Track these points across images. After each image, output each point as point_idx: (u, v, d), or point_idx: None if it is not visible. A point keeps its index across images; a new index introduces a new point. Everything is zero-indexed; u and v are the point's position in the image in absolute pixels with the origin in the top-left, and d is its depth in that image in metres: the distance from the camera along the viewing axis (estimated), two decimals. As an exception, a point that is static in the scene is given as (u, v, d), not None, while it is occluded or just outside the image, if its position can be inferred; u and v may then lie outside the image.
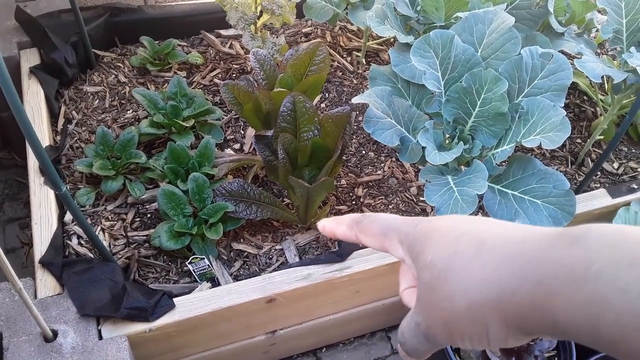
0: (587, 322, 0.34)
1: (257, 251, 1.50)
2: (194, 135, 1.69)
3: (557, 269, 0.35)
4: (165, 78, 1.92)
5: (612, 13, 1.65)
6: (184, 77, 1.93)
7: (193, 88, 1.88)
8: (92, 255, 1.42)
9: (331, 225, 0.53)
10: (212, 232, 1.42)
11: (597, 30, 1.94)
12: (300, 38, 2.10)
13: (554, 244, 0.36)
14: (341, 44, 2.10)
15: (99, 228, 1.51)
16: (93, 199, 1.56)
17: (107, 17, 1.99)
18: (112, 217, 1.54)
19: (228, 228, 1.47)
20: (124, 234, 1.51)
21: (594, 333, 0.34)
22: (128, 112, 1.81)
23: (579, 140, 1.93)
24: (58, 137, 1.70)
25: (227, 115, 1.81)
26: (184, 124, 1.63)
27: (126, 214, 1.56)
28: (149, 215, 1.56)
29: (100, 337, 1.22)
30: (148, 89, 1.87)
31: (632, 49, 1.57)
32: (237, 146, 1.74)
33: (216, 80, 1.91)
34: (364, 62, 2.04)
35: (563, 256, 0.35)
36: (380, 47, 2.10)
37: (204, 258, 1.39)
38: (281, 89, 1.40)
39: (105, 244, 1.47)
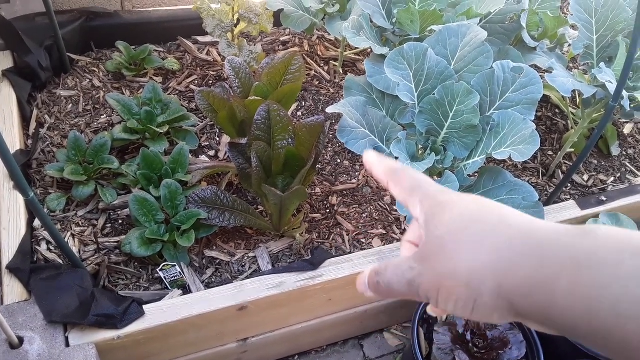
0: (583, 306, 0.35)
1: (229, 259, 1.50)
2: (169, 141, 1.68)
3: (563, 255, 0.37)
4: (141, 83, 1.91)
5: (583, 29, 1.70)
6: (160, 83, 1.92)
7: (168, 94, 1.87)
8: (61, 262, 1.40)
9: (373, 160, 0.53)
10: (184, 239, 1.41)
11: (569, 45, 1.98)
12: (278, 46, 2.11)
13: (565, 234, 0.38)
14: (319, 53, 2.12)
15: (69, 234, 1.49)
16: (64, 204, 1.54)
17: (82, 22, 1.97)
18: (82, 223, 1.52)
19: (200, 235, 1.46)
20: (95, 240, 1.49)
21: (587, 319, 0.35)
22: (102, 117, 1.79)
23: (550, 153, 1.96)
24: (30, 141, 1.68)
25: (202, 122, 1.81)
26: (158, 130, 1.62)
27: (97, 219, 1.54)
28: (120, 222, 1.54)
29: (68, 345, 1.20)
30: (123, 94, 1.86)
31: (602, 64, 1.61)
32: (211, 153, 1.74)
33: (192, 87, 1.91)
34: (341, 71, 2.05)
35: (571, 244, 0.37)
36: (357, 57, 2.12)
37: (175, 265, 1.38)
38: (256, 98, 1.40)
39: (75, 250, 1.45)
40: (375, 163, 0.53)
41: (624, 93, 1.47)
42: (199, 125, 1.79)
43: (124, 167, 1.58)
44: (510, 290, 0.39)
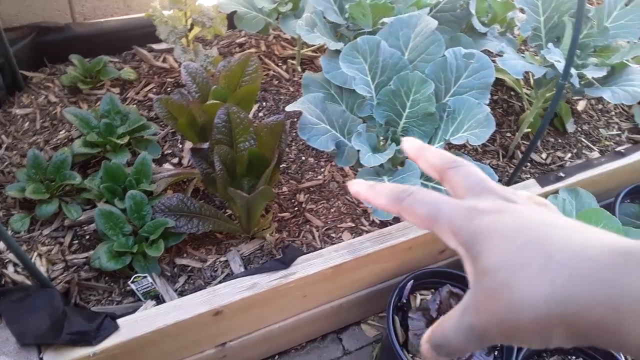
0: None
1: (201, 265, 1.49)
2: (130, 152, 1.67)
3: (626, 295, 0.34)
4: (98, 96, 1.88)
5: (530, 12, 1.74)
6: (118, 93, 1.90)
7: (127, 104, 1.85)
8: (29, 283, 1.38)
9: (367, 194, 0.48)
10: (154, 249, 1.41)
11: (519, 29, 2.03)
12: (235, 48, 2.10)
13: (622, 267, 0.35)
14: (276, 52, 2.12)
15: (36, 254, 1.47)
16: (28, 224, 1.52)
17: (33, 37, 1.94)
18: (48, 242, 1.50)
19: (170, 244, 1.46)
20: (62, 258, 1.47)
21: None
22: (60, 132, 1.77)
23: (508, 134, 2.01)
24: (-13, 163, 1.65)
25: (163, 130, 1.80)
26: (118, 141, 1.61)
27: (63, 237, 1.52)
28: (87, 237, 1.53)
29: (42, 366, 1.19)
30: (80, 107, 1.84)
31: (550, 45, 1.66)
32: (175, 160, 1.73)
33: (151, 95, 1.90)
34: (300, 69, 2.06)
35: (631, 281, 0.35)
36: (315, 54, 2.13)
37: (146, 276, 1.37)
38: (214, 101, 1.41)
39: (43, 269, 1.44)
40: (370, 195, 0.47)
41: (573, 71, 1.52)
42: (160, 133, 1.78)
43: (86, 181, 1.56)
44: (579, 329, 0.36)
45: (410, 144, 0.51)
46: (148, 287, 1.39)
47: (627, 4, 1.78)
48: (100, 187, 1.52)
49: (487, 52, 2.05)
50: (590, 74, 1.58)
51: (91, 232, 1.53)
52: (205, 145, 1.40)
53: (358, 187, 0.48)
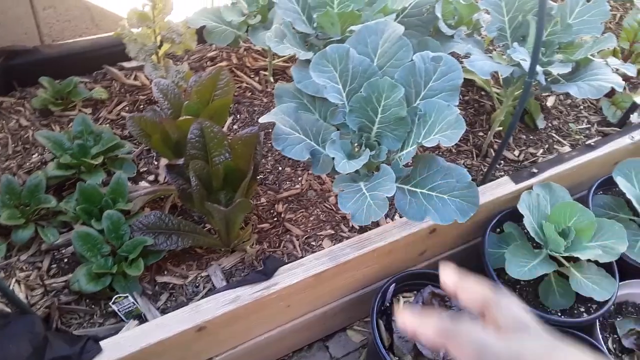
0: None
1: (182, 281, 1.49)
2: (105, 172, 1.66)
3: None
4: (70, 117, 1.87)
5: (494, 12, 1.78)
6: (90, 113, 1.89)
7: (100, 124, 1.84)
8: (9, 310, 1.36)
9: (413, 324, 0.50)
10: (133, 268, 1.40)
11: (485, 30, 2.07)
12: (206, 62, 2.11)
13: None
14: (247, 64, 2.13)
15: (14, 280, 1.45)
16: (4, 251, 1.50)
17: (2, 62, 1.92)
18: (26, 267, 1.48)
19: (149, 262, 1.45)
20: (41, 283, 1.45)
21: None
22: (33, 156, 1.75)
23: (481, 133, 2.04)
24: (-41, 191, 1.62)
25: (138, 148, 1.79)
26: (92, 162, 1.60)
27: (41, 261, 1.50)
28: (65, 260, 1.51)
29: (25, 394, 1.17)
30: (53, 130, 1.82)
31: (515, 44, 1.69)
32: (151, 178, 1.72)
33: (124, 114, 1.89)
34: (272, 80, 2.07)
35: None
36: (286, 64, 2.14)
37: (127, 296, 1.37)
38: (187, 117, 1.41)
39: (22, 295, 1.42)
40: (416, 325, 0.50)
41: (539, 69, 1.55)
42: (135, 151, 1.78)
43: (62, 204, 1.55)
44: None
45: (447, 277, 0.53)
46: (130, 307, 1.38)
47: (588, 0, 1.83)
48: (76, 209, 1.51)
49: (455, 54, 2.08)
50: (556, 70, 1.62)
51: (69, 255, 1.52)
52: (180, 161, 1.40)
53: (405, 318, 0.51)
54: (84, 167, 1.62)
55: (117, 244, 1.45)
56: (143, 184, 1.70)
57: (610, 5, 2.85)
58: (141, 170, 1.74)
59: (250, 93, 2.02)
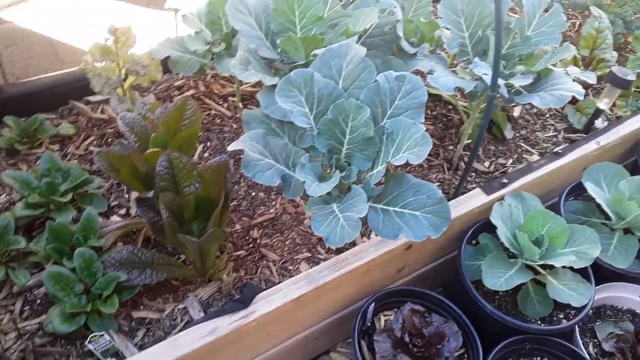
0: None
1: (159, 315, 1.47)
2: (75, 208, 1.64)
3: None
4: (37, 155, 1.85)
5: (454, 29, 1.81)
6: (57, 150, 1.87)
7: (68, 160, 1.82)
8: (-21, 357, 1.33)
9: None
10: (108, 305, 1.38)
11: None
12: (174, 92, 2.11)
13: None
14: (215, 91, 2.13)
15: (-16, 326, 1.41)
16: (-27, 296, 1.46)
17: (-36, 102, 1.89)
18: (-3, 312, 1.45)
19: (124, 298, 1.43)
20: (14, 326, 1.42)
21: None
22: (1, 197, 1.72)
23: (451, 147, 2.07)
24: None
25: (108, 182, 1.77)
26: (61, 199, 1.58)
27: (13, 304, 1.47)
28: (38, 301, 1.48)
29: None
30: (19, 169, 1.79)
31: (477, 59, 1.72)
32: (123, 211, 1.70)
33: (92, 148, 1.87)
34: (241, 105, 2.07)
35: None
36: (255, 89, 2.15)
37: (103, 334, 1.34)
38: (155, 149, 1.40)
39: (-7, 341, 1.38)
40: None
41: (501, 82, 1.58)
42: (105, 185, 1.76)
43: (32, 244, 1.52)
44: None
45: None
46: (106, 345, 1.36)
47: (546, 11, 1.87)
48: (47, 248, 1.48)
49: (419, 72, 2.11)
50: (518, 82, 1.65)
51: (42, 296, 1.49)
52: (150, 194, 1.39)
53: None
54: (53, 205, 1.60)
55: (90, 282, 1.43)
56: (115, 218, 1.68)
57: (569, 14, 2.93)
58: (112, 205, 1.72)
59: (219, 120, 2.02)
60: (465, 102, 2.19)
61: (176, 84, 2.14)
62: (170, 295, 1.52)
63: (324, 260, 1.62)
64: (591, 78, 1.74)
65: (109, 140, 1.91)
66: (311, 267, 1.59)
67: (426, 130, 2.09)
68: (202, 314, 1.46)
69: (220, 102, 2.09)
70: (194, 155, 1.86)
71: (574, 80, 1.72)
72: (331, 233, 1.35)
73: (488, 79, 1.56)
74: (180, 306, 1.49)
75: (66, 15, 2.04)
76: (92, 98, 2.04)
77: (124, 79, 1.74)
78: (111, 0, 2.05)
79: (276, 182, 1.44)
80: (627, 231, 1.93)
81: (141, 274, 1.43)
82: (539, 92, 1.70)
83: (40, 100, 1.99)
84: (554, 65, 1.85)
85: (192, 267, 1.53)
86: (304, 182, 1.38)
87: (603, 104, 2.15)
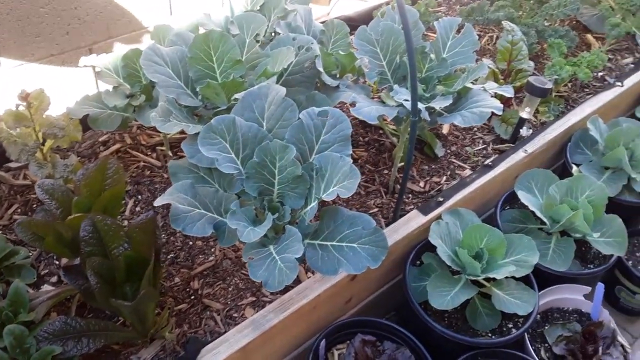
0: None
1: (101, 385, 1.40)
2: (3, 282, 1.55)
3: None
4: (-43, 231, 1.75)
5: (372, 59, 1.84)
6: (-21, 223, 1.78)
7: (-8, 232, 1.74)
8: None
9: None
10: (43, 383, 1.30)
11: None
12: (99, 148, 2.05)
13: None
14: (143, 142, 2.09)
15: None
16: None
17: None
18: None
19: (61, 372, 1.36)
20: (-58, 421, 1.32)
21: None
22: None
23: (385, 171, 2.09)
24: None
25: (36, 250, 1.70)
26: (-15, 276, 1.50)
27: (-60, 396, 1.37)
28: (-33, 389, 1.39)
29: None
30: (-62, 248, 1.69)
31: (396, 86, 1.76)
32: (54, 279, 1.63)
33: (16, 217, 1.79)
34: (170, 154, 2.04)
35: None
36: (183, 136, 2.11)
37: (40, 415, 1.26)
38: (77, 214, 1.35)
39: None
40: None
41: (421, 106, 1.61)
42: (33, 254, 1.68)
43: (-44, 328, 1.43)
44: None
45: None
46: None
47: (458, 32, 1.94)
48: (-27, 331, 1.40)
49: (343, 104, 2.13)
50: (438, 104, 1.70)
51: (-29, 383, 1.39)
52: (77, 261, 1.34)
53: None
54: (-24, 283, 1.51)
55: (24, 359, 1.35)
56: (46, 287, 1.60)
57: (486, 29, 3.05)
58: (42, 273, 1.64)
59: (149, 171, 1.98)
60: (393, 126, 2.23)
61: (101, 139, 2.08)
62: (112, 362, 1.45)
63: (270, 302, 1.59)
64: (508, 92, 1.80)
65: (34, 206, 1.83)
66: (257, 312, 1.56)
67: (360, 157, 2.13)
68: (146, 378, 1.41)
69: (149, 153, 2.05)
70: (124, 212, 1.81)
71: (492, 96, 1.78)
72: (269, 277, 1.33)
73: (409, 105, 1.59)
74: (124, 372, 1.43)
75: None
76: (12, 164, 1.95)
77: (42, 143, 1.68)
78: (25, 63, 1.99)
79: (208, 232, 1.41)
80: (563, 233, 1.99)
81: (77, 344, 1.36)
82: (460, 110, 1.74)
83: (-44, 172, 1.90)
84: (475, 82, 1.91)
85: (132, 328, 1.47)
86: (236, 229, 1.36)
87: (525, 113, 2.24)
